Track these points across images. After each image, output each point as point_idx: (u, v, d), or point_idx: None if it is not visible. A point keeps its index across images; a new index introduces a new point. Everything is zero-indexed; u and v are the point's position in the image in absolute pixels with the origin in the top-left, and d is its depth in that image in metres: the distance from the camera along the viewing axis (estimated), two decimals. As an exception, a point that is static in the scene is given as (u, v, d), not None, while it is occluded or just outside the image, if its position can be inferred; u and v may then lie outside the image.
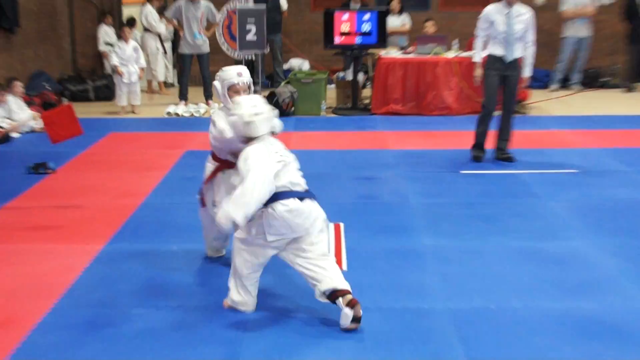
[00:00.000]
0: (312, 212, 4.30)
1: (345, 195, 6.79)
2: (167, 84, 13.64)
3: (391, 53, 11.35)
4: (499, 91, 7.95)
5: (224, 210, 4.09)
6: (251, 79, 5.01)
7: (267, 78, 13.43)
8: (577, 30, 12.71)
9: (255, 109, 4.35)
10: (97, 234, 5.81)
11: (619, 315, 4.37)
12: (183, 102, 11.52)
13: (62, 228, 6.04)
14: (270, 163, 4.21)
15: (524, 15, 7.78)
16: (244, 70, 4.98)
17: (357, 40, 11.09)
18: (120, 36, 11.54)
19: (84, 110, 10.74)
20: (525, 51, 7.85)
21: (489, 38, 7.88)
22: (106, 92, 12.35)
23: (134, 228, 6.01)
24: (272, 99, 10.76)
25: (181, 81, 11.75)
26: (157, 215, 6.34)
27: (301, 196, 4.27)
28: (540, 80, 13.16)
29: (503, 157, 8.06)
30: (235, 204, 4.05)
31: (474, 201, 6.68)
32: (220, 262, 5.21)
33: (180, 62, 11.91)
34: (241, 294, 4.41)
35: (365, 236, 5.74)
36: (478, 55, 7.96)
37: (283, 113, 10.50)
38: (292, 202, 4.21)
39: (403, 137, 9.44)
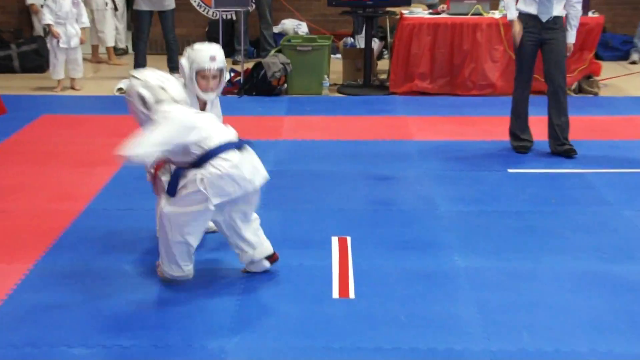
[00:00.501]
0: (255, 164, 5.01)
1: (353, 201, 6.80)
2: (117, 51, 13.70)
3: (417, 12, 11.38)
4: (538, 63, 8.11)
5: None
6: (224, 63, 5.34)
7: (252, 44, 13.49)
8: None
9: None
10: (25, 248, 5.84)
11: None
12: (140, 74, 11.55)
13: (-22, 240, 6.09)
14: (187, 112, 5.03)
15: None
16: (218, 53, 5.48)
17: (372, -6, 11.19)
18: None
19: (5, 85, 10.83)
20: (568, 8, 7.93)
21: None
22: (36, 61, 12.43)
23: (74, 240, 6.04)
24: (258, 73, 10.83)
25: (137, 47, 11.81)
26: (105, 223, 6.38)
27: (239, 146, 4.95)
28: (618, 49, 13.24)
29: (560, 150, 8.13)
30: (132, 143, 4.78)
31: (524, 209, 6.73)
32: (183, 286, 5.25)
33: (136, 21, 11.97)
34: (183, 268, 5.16)
35: (379, 254, 5.78)
36: (512, 9, 8.03)
37: (273, 91, 10.58)
38: (234, 156, 4.86)
39: (431, 124, 9.52)
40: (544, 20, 7.85)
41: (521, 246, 5.96)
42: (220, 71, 5.52)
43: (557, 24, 7.94)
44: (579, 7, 7.99)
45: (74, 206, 6.70)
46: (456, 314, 4.91)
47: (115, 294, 5.17)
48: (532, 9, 7.86)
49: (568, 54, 8.22)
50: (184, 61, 5.46)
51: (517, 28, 7.99)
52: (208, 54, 5.40)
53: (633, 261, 5.71)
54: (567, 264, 5.66)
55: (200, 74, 5.49)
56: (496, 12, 11.22)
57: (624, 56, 13.31)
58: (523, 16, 7.95)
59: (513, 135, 8.33)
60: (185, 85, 5.50)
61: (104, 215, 6.57)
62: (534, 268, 5.59)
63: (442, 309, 4.97)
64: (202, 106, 5.78)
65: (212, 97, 5.80)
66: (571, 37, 8.01)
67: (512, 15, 8.03)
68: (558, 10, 7.87)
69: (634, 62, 13.06)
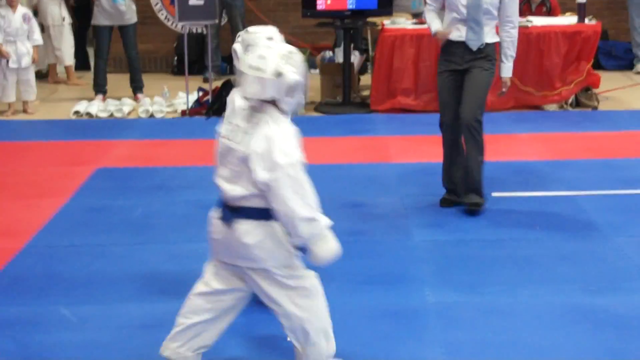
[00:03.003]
0: None
1: None
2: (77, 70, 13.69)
3: (400, 22, 11.41)
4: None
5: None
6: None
7: (224, 60, 13.48)
8: None
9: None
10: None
11: None
12: (100, 96, 11.61)
13: None
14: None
15: None
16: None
17: (350, 4, 11.17)
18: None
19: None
20: (502, 34, 7.42)
21: (447, 12, 7.41)
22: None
23: (9, 283, 5.99)
24: (227, 91, 10.81)
25: (97, 65, 11.80)
26: (47, 264, 6.33)
27: None
28: (622, 58, 13.27)
29: (467, 204, 7.49)
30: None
31: (506, 237, 6.75)
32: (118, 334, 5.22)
33: (96, 37, 11.96)
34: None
35: (346, 289, 5.78)
36: (434, 23, 7.45)
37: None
38: None
39: (413, 145, 9.53)
40: (474, 48, 7.32)
41: (500, 278, 5.96)
42: None
43: (485, 52, 7.40)
44: (515, 32, 7.42)
45: (13, 244, 6.65)
46: (424, 355, 4.90)
47: (52, 347, 5.07)
48: (456, 35, 7.32)
49: (505, 90, 7.62)
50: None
51: (444, 35, 7.35)
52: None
53: (620, 293, 5.73)
54: (548, 297, 5.67)
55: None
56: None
57: (628, 65, 13.36)
58: (447, 46, 7.44)
59: (443, 181, 7.70)
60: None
61: (46, 254, 6.52)
62: (512, 303, 5.59)
63: (406, 351, 4.95)
64: None
65: None
66: (507, 71, 7.42)
67: (435, 26, 7.44)
68: (490, 37, 7.38)
69: (639, 73, 13.09)
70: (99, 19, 11.59)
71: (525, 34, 10.28)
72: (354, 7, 11.17)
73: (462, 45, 7.28)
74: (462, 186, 7.44)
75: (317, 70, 12.31)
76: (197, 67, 12.80)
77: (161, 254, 6.46)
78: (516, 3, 7.40)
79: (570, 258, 6.30)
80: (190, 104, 11.11)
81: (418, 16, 11.84)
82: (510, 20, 7.33)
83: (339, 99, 11.47)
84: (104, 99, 11.52)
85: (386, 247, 6.60)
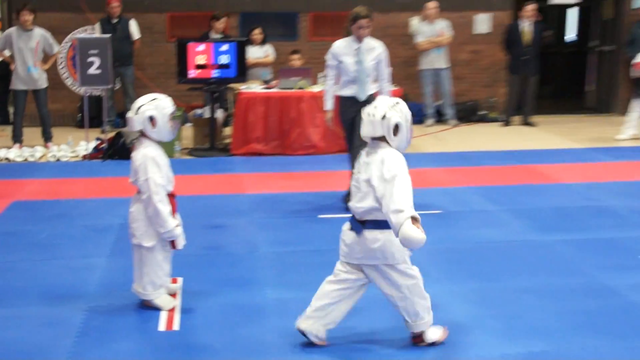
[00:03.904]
0: None
1: (188, 247, 6.67)
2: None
3: (252, 87, 11.53)
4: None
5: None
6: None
7: (118, 116, 13.35)
8: (433, 62, 13.27)
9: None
10: None
11: (464, 366, 4.58)
12: (17, 144, 11.37)
13: None
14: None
15: (376, 50, 7.91)
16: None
17: (214, 73, 11.23)
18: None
19: None
20: (381, 86, 8.01)
21: (341, 77, 7.94)
22: None
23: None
24: (118, 140, 10.76)
25: (15, 121, 11.57)
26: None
27: None
28: (416, 115, 13.58)
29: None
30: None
31: (328, 248, 6.70)
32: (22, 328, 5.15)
33: (14, 99, 11.72)
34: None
35: (204, 291, 5.76)
36: (329, 102, 8.03)
37: (129, 155, 10.49)
38: None
39: (262, 180, 9.59)
40: (362, 99, 7.75)
41: (323, 279, 5.99)
42: None
43: (371, 100, 7.89)
44: (387, 85, 8.13)
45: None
46: (261, 339, 4.93)
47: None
48: (351, 92, 7.87)
49: None
50: (154, 112, 5.14)
51: (329, 117, 8.12)
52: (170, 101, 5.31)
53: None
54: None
55: (171, 117, 5.25)
56: (316, 86, 11.43)
57: (421, 121, 13.64)
58: (343, 97, 7.95)
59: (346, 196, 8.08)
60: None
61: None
62: (331, 297, 5.65)
63: (249, 335, 4.99)
64: None
65: None
66: None
67: (328, 106, 8.07)
68: (372, 90, 7.92)
69: (429, 126, 13.49)
70: (17, 84, 11.37)
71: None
72: (217, 76, 11.23)
73: (353, 97, 7.82)
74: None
75: (190, 124, 12.31)
76: (96, 122, 12.62)
77: (61, 267, 6.33)
78: (387, 65, 8.11)
79: (375, 263, 6.41)
80: (89, 151, 10.99)
81: (267, 82, 12.00)
82: (384, 78, 8.08)
83: (207, 145, 11.47)
84: (20, 147, 11.24)
85: (238, 257, 6.60)
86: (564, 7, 17.91)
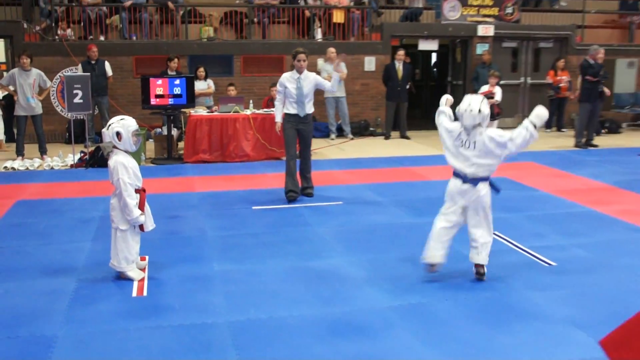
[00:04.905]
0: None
1: (152, 232, 6.62)
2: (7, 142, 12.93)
3: (199, 111, 11.42)
4: (298, 141, 8.19)
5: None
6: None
7: (97, 134, 13.01)
8: (335, 92, 13.33)
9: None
10: None
11: (361, 316, 4.63)
12: (20, 157, 11.02)
13: None
14: None
15: (309, 79, 8.04)
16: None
17: (170, 101, 11.08)
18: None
19: None
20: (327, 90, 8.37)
21: (286, 99, 8.04)
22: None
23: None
24: (98, 152, 10.54)
25: (17, 140, 11.23)
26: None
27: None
28: (323, 131, 13.70)
29: (306, 193, 8.27)
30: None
31: (260, 231, 6.82)
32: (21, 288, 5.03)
33: (17, 122, 11.36)
34: None
35: (165, 266, 5.72)
36: (279, 115, 8.16)
37: (106, 164, 10.29)
38: None
39: (208, 181, 9.49)
40: (301, 115, 7.99)
41: (257, 254, 6.02)
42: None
43: (308, 118, 8.08)
44: (330, 85, 8.32)
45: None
46: (209, 300, 4.92)
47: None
48: (293, 110, 7.98)
49: None
50: (120, 129, 5.22)
51: (279, 127, 8.20)
52: (134, 121, 5.35)
53: (320, 259, 5.90)
54: (282, 263, 5.77)
55: (134, 133, 5.27)
56: (247, 110, 11.40)
57: (327, 135, 13.72)
58: (287, 114, 8.04)
59: (287, 188, 8.11)
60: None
61: (-15, 252, 6.16)
62: (262, 267, 5.66)
63: (200, 298, 4.97)
64: None
65: None
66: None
67: (278, 118, 8.18)
68: (308, 108, 8.05)
69: (332, 139, 13.55)
70: (19, 111, 11.01)
71: (270, 118, 10.51)
72: (172, 103, 11.07)
73: (296, 115, 7.99)
74: (298, 186, 8.17)
75: (153, 140, 12.12)
76: (80, 139, 12.30)
77: (56, 250, 6.19)
78: (322, 79, 8.31)
79: (294, 241, 6.41)
80: (75, 161, 10.72)
81: (210, 108, 11.91)
82: (327, 87, 8.27)
83: (165, 155, 11.30)
84: (22, 159, 10.90)
85: (191, 240, 6.54)
86: (429, 52, 18.22)
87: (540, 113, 5.00)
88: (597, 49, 12.58)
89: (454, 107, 5.39)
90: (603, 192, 8.65)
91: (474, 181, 5.13)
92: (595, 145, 12.59)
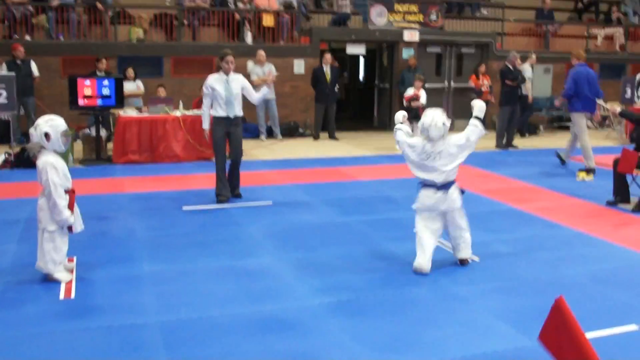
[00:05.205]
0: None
1: (81, 233, 6.28)
2: None
3: (128, 112, 11.17)
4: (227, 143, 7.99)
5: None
6: None
7: (23, 135, 12.57)
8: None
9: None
10: None
11: (291, 313, 4.60)
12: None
13: None
14: None
15: (238, 80, 7.83)
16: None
17: (99, 102, 10.77)
18: None
19: None
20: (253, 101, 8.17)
21: (214, 101, 7.77)
22: None
23: None
24: (23, 153, 10.17)
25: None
26: None
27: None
28: (253, 132, 13.61)
29: (234, 194, 8.10)
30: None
31: (190, 231, 6.71)
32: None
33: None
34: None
35: (95, 266, 5.55)
36: (206, 122, 7.86)
37: (34, 165, 9.94)
38: None
39: (138, 182, 9.28)
40: (231, 117, 7.75)
41: (188, 254, 5.91)
42: None
43: (238, 120, 7.84)
44: (256, 102, 8.35)
45: None
46: (141, 301, 4.80)
47: None
48: (222, 112, 7.73)
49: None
50: (48, 130, 5.05)
51: (206, 133, 7.94)
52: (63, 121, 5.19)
53: (250, 258, 5.83)
54: (213, 263, 5.69)
55: (63, 134, 5.12)
56: (177, 111, 11.21)
57: (257, 136, 13.64)
58: (216, 117, 7.77)
59: (218, 190, 7.95)
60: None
61: None
62: (193, 267, 5.57)
63: (131, 299, 4.84)
64: None
65: None
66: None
67: (205, 125, 7.88)
68: (238, 110, 7.82)
69: (262, 140, 13.48)
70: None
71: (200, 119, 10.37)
72: (101, 104, 10.79)
73: (225, 117, 7.79)
74: (229, 188, 8.01)
75: (81, 141, 11.77)
76: (5, 139, 11.87)
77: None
78: (251, 87, 8.03)
79: (224, 241, 6.32)
80: (0, 162, 10.31)
81: (139, 109, 11.66)
82: (253, 95, 8.02)
83: (94, 156, 10.99)
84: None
85: (120, 240, 6.37)
86: (357, 56, 18.36)
87: (481, 106, 5.56)
88: (515, 55, 12.97)
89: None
90: (523, 190, 8.90)
91: (446, 187, 5.43)
92: (515, 146, 12.96)
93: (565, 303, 2.95)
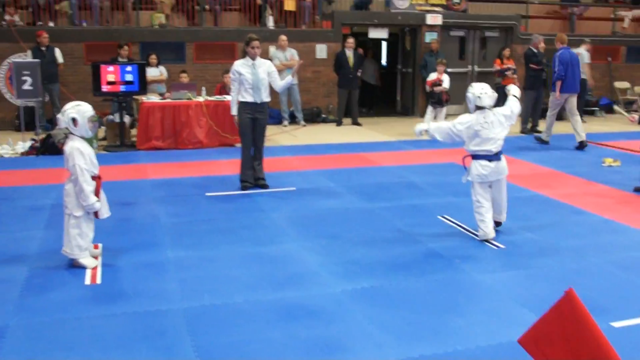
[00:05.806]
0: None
1: (107, 220, 6.35)
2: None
3: (151, 98, 11.20)
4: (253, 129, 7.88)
5: None
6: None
7: (48, 122, 12.69)
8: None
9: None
10: None
11: (315, 300, 4.59)
12: (-32, 145, 10.67)
13: None
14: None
15: (264, 65, 7.78)
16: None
17: (122, 88, 10.81)
18: None
19: None
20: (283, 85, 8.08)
21: (241, 86, 7.70)
22: None
23: None
24: (49, 140, 10.25)
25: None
26: None
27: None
28: (276, 118, 13.59)
29: (258, 183, 8.00)
30: None
31: (213, 217, 6.72)
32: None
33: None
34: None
35: (120, 252, 5.58)
36: (234, 108, 7.78)
37: (60, 152, 10.03)
38: None
39: (161, 168, 9.32)
40: (258, 102, 7.69)
41: (211, 241, 5.93)
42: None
43: (264, 107, 7.78)
44: (280, 90, 8.27)
45: None
46: (164, 287, 4.82)
47: None
48: (249, 98, 7.66)
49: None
50: (76, 115, 5.10)
51: (236, 119, 7.82)
52: (90, 106, 5.26)
53: (274, 244, 5.83)
54: (236, 249, 5.69)
55: (90, 119, 5.17)
56: (200, 97, 11.22)
57: (279, 122, 13.60)
58: (242, 103, 7.70)
59: (243, 177, 7.93)
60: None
61: None
62: (216, 253, 5.58)
63: (155, 285, 4.86)
64: None
65: None
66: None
67: (234, 111, 7.80)
68: (265, 96, 7.75)
69: (285, 126, 13.44)
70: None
71: (223, 105, 10.37)
72: (124, 90, 10.82)
73: (252, 102, 7.68)
74: (253, 176, 7.98)
75: (105, 127, 11.83)
76: (30, 126, 11.98)
77: (7, 238, 5.98)
78: (277, 75, 7.95)
79: (247, 227, 6.32)
80: (26, 149, 10.41)
81: (162, 95, 11.69)
82: (277, 86, 7.97)
83: (118, 143, 11.06)
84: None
85: (144, 227, 6.40)
86: (380, 40, 18.22)
87: (517, 89, 6.23)
88: (539, 37, 12.76)
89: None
90: (548, 176, 8.79)
91: (499, 155, 5.85)
92: (540, 131, 12.79)
93: (576, 295, 2.79)
